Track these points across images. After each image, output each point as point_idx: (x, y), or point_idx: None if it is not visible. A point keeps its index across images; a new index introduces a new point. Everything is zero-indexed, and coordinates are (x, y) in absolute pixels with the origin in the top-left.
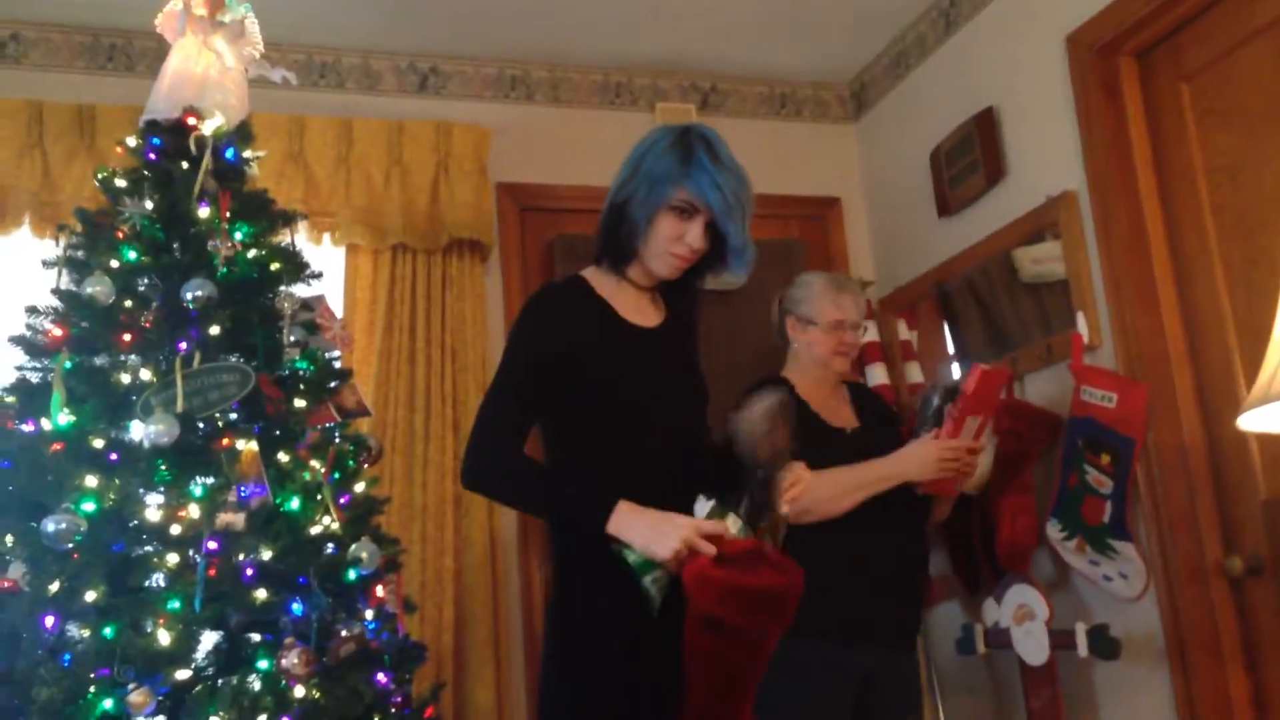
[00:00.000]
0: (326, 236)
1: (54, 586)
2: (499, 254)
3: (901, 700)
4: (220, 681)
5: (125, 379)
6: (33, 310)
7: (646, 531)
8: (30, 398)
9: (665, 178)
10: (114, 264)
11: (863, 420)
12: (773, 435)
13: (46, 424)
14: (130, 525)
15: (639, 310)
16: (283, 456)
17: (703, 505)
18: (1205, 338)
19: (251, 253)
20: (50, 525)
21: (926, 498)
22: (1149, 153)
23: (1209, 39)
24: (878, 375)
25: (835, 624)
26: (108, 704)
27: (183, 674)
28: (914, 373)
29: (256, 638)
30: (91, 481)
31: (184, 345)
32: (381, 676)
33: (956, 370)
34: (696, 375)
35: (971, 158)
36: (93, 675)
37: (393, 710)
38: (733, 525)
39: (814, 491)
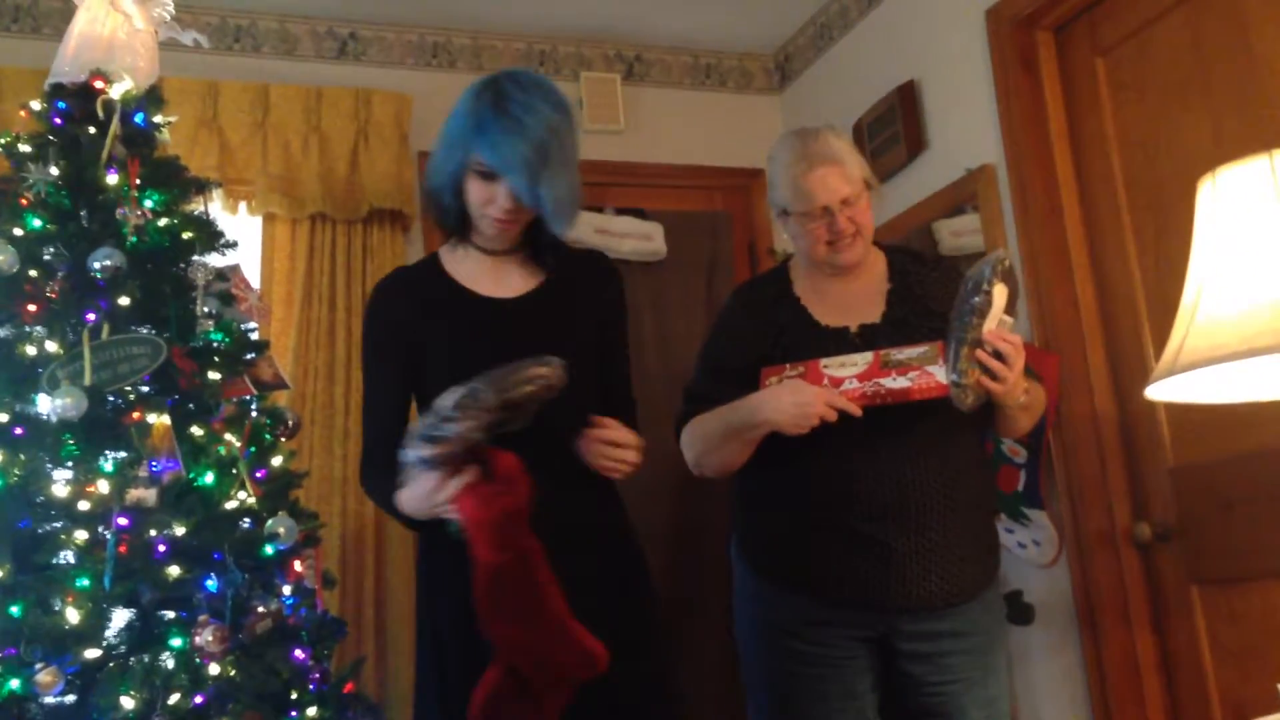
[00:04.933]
0: (243, 205)
1: None
2: (421, 224)
3: (936, 680)
4: (132, 660)
5: (31, 351)
6: None
7: (424, 508)
8: None
9: (457, 143)
10: (18, 232)
11: (890, 312)
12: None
13: None
14: (37, 501)
15: (496, 280)
16: (196, 430)
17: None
18: (1117, 310)
19: (163, 221)
20: None
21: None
22: (1065, 126)
23: (1124, 14)
24: None
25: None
26: (14, 684)
27: (92, 653)
28: None
29: (170, 615)
30: None
31: (92, 316)
32: (299, 653)
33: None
34: (569, 342)
35: (893, 130)
36: None
37: (311, 687)
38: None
39: (694, 445)
